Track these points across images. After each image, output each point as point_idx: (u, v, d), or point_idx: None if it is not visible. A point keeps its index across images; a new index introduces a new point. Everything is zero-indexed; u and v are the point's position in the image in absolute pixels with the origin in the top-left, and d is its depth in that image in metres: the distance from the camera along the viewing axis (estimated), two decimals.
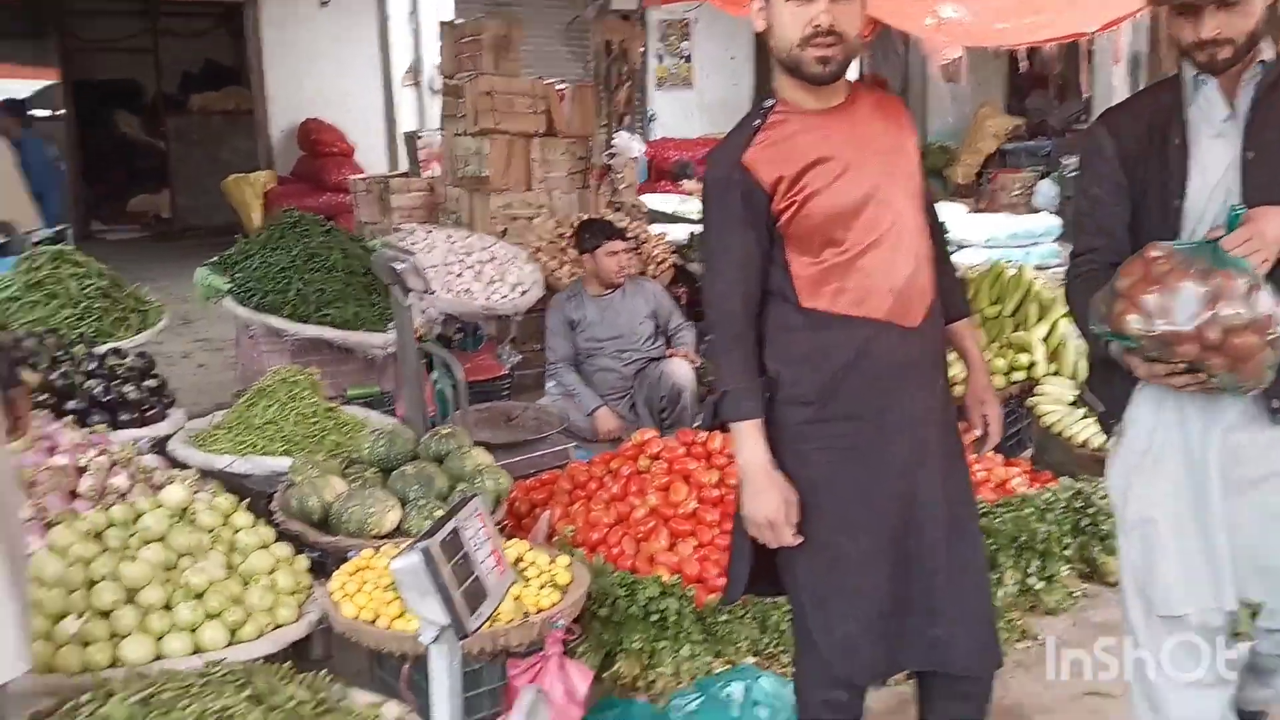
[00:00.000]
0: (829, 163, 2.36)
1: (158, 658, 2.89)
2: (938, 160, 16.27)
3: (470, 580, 2.09)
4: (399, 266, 4.45)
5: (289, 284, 5.50)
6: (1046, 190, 14.89)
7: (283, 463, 4.24)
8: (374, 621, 3.13)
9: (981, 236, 11.79)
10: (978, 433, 2.79)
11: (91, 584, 2.96)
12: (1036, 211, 14.22)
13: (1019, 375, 5.33)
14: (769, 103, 2.45)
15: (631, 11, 7.59)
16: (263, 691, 2.62)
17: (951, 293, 2.70)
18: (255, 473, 4.25)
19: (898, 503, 2.49)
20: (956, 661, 2.56)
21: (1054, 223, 12.19)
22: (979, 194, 15.65)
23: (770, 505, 2.42)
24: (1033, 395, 5.24)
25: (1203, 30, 2.26)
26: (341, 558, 3.67)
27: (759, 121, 2.42)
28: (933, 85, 16.57)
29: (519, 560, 3.40)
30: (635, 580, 3.60)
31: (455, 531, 2.12)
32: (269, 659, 2.95)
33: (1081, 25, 6.16)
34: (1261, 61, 2.35)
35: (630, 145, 7.84)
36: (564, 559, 3.48)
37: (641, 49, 7.75)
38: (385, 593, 3.19)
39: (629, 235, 6.13)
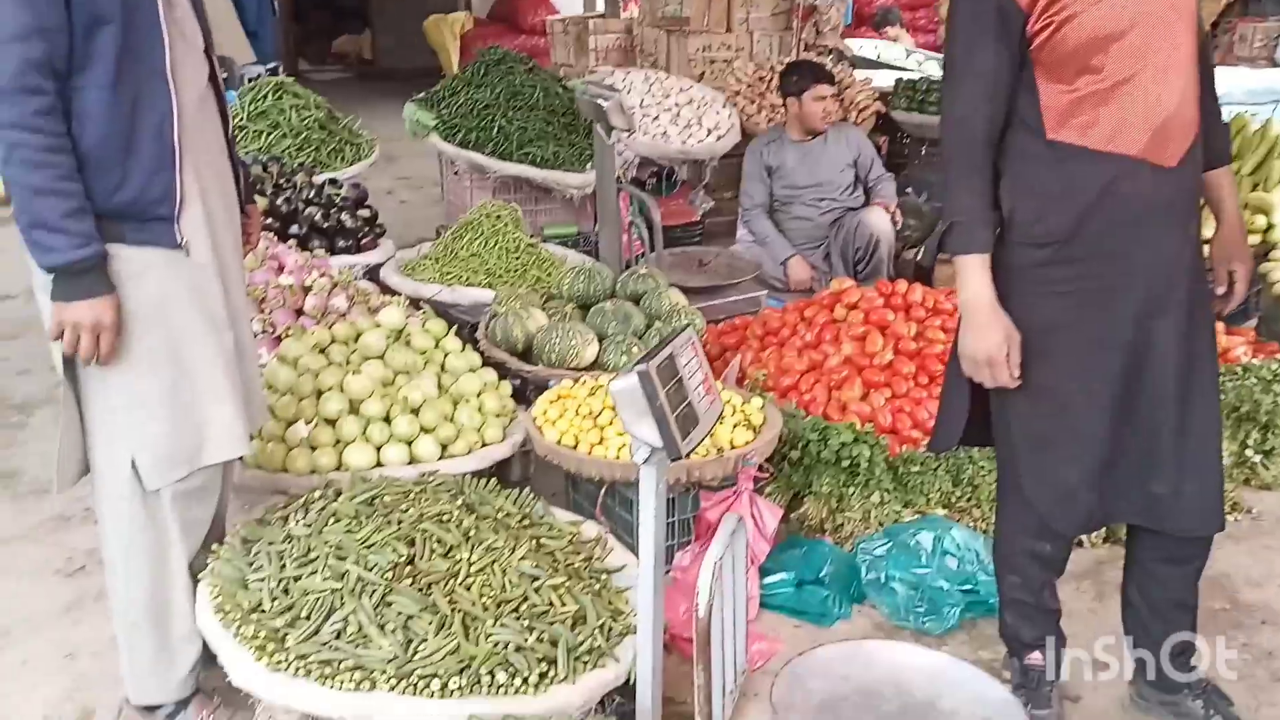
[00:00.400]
0: None
1: (377, 465, 3.09)
2: None
3: (683, 406, 2.13)
4: (603, 103, 4.43)
5: (492, 121, 5.58)
6: None
7: (486, 294, 4.38)
8: (574, 447, 3.25)
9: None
10: (1221, 290, 2.58)
11: (319, 394, 3.17)
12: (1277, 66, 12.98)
13: (1254, 239, 4.95)
14: None
15: None
16: (474, 501, 2.78)
17: (1214, 134, 2.41)
18: (460, 302, 4.42)
19: (1131, 353, 2.33)
20: (1176, 521, 2.44)
21: None
22: (1215, 44, 14.38)
23: (991, 343, 2.31)
24: (1267, 260, 4.87)
25: None
26: (541, 386, 3.81)
27: None
28: None
29: None
30: (828, 426, 3.60)
31: (671, 357, 2.14)
32: (475, 475, 3.11)
33: None
34: None
35: None
36: (757, 401, 3.50)
37: None
38: (585, 421, 3.30)
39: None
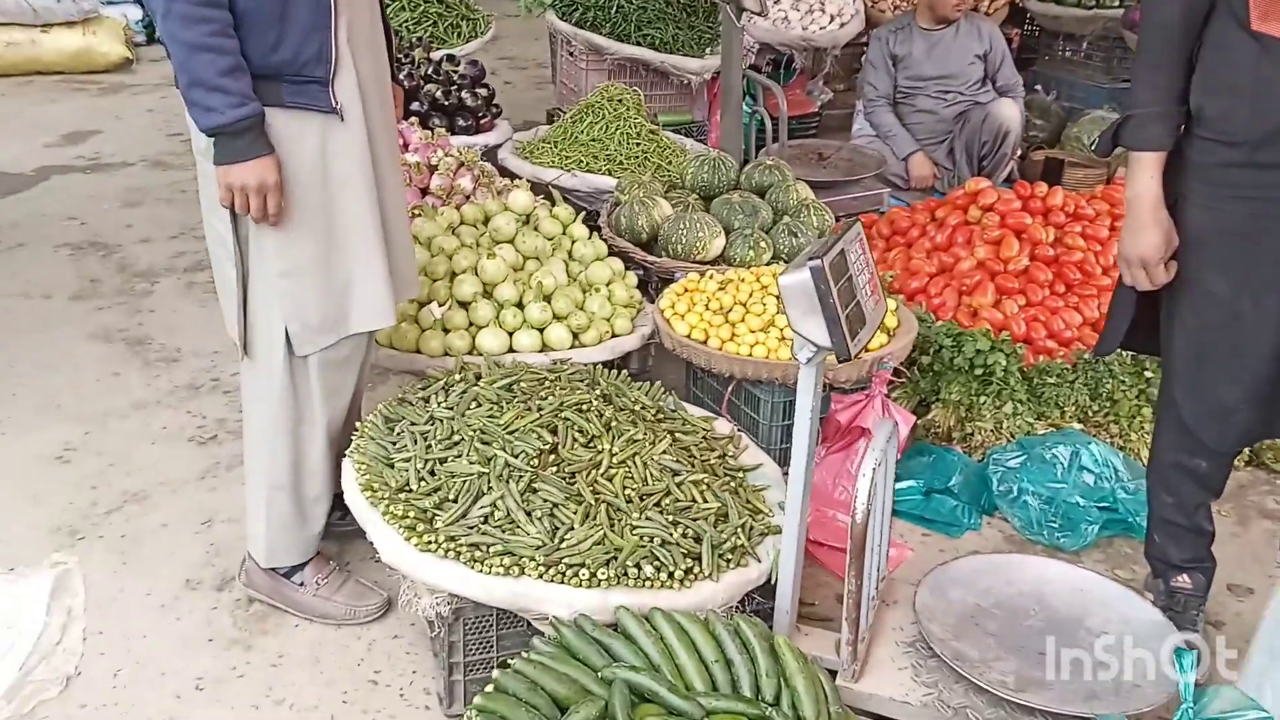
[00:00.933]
0: None
1: (509, 350, 3.07)
2: None
3: (852, 304, 2.05)
4: None
5: (611, 1, 5.40)
6: None
7: (608, 181, 4.30)
8: (704, 341, 3.20)
9: None
10: None
11: (452, 276, 3.15)
12: None
13: None
14: None
15: None
16: (610, 392, 2.75)
17: None
18: (581, 188, 4.34)
19: None
20: None
21: None
22: None
23: (1148, 244, 2.23)
24: None
25: None
26: (666, 278, 3.74)
27: None
28: None
29: None
30: (962, 332, 3.49)
31: (843, 253, 2.06)
32: (605, 366, 3.08)
33: None
34: None
35: None
36: (890, 302, 3.40)
37: None
38: (715, 315, 3.24)
39: None
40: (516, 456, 2.39)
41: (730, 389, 3.22)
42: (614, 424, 2.59)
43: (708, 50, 5.45)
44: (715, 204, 3.98)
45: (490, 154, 4.65)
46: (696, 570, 2.28)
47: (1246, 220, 2.21)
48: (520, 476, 2.35)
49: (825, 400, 3.25)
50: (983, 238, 4.03)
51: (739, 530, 2.39)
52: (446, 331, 3.08)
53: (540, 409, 2.58)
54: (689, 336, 3.22)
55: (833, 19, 6.11)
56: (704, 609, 2.24)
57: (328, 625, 2.63)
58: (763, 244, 3.72)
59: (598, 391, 2.72)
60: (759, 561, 2.37)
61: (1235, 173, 2.19)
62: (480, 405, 2.59)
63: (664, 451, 2.53)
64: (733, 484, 2.57)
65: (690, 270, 3.64)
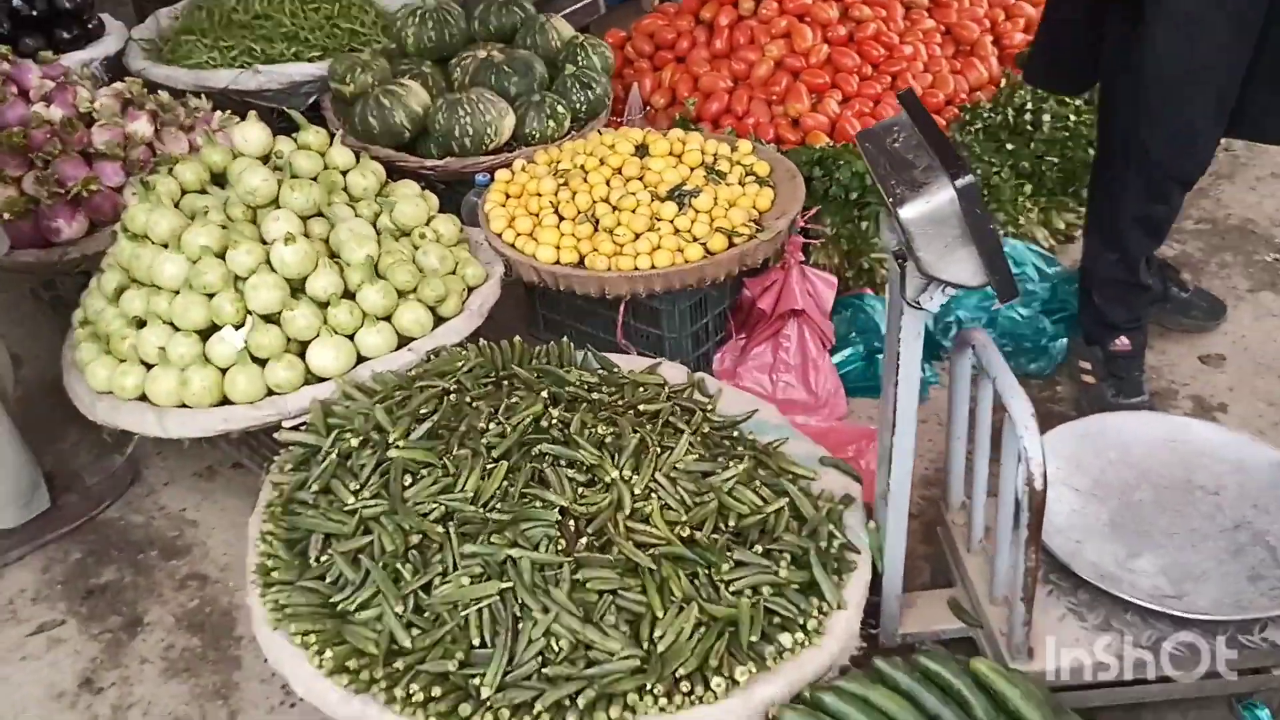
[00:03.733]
0: None
1: (360, 360, 2.19)
2: None
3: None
4: None
5: None
6: None
7: (308, 69, 3.26)
8: (581, 263, 2.49)
9: None
10: None
11: (236, 282, 2.16)
12: None
13: None
14: None
15: None
16: (543, 381, 2.02)
17: None
18: (271, 86, 3.26)
19: None
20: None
21: None
22: None
23: None
24: None
25: None
26: (453, 182, 2.91)
27: None
28: None
29: (705, 156, 2.73)
30: (825, 153, 2.99)
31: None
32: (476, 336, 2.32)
33: None
34: None
35: None
36: (745, 144, 2.81)
37: None
38: (581, 226, 2.52)
39: None
40: (537, 546, 1.65)
41: (623, 312, 2.56)
42: (590, 431, 1.89)
43: None
44: (464, 69, 3.12)
45: (113, 68, 3.39)
46: (822, 606, 1.71)
47: None
48: (558, 575, 1.63)
49: (736, 284, 2.68)
50: (768, 33, 3.48)
51: (824, 523, 1.82)
52: (259, 362, 2.15)
53: (492, 449, 1.83)
54: (558, 263, 2.49)
55: None
56: (846, 651, 1.71)
57: None
58: (559, 108, 2.96)
59: (537, 391, 1.99)
60: (859, 553, 1.84)
61: None
62: (419, 478, 1.79)
63: (686, 452, 1.87)
64: (761, 458, 1.97)
65: (489, 166, 2.84)
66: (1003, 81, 3.51)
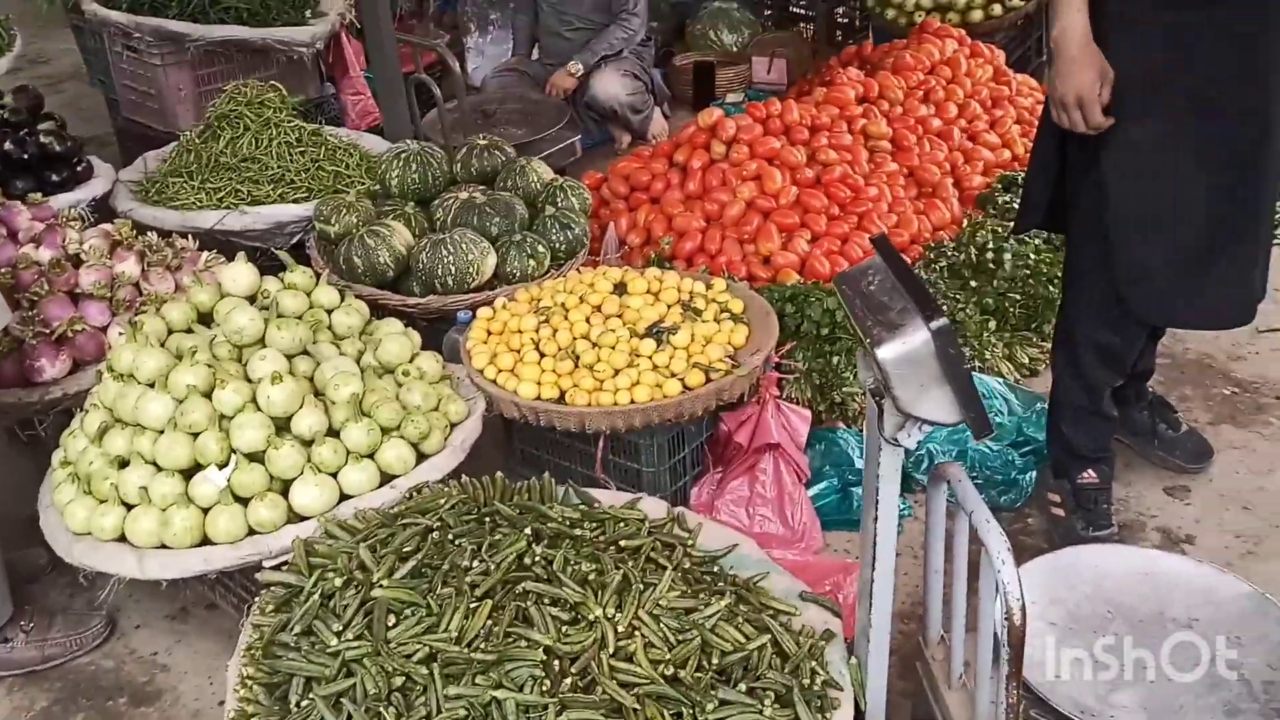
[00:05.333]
0: None
1: (343, 498, 2.21)
2: None
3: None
4: None
5: None
6: None
7: (293, 211, 3.35)
8: (561, 399, 2.53)
9: None
10: None
11: (221, 420, 2.18)
12: None
13: None
14: None
15: None
16: (519, 518, 2.03)
17: None
18: (256, 226, 3.35)
19: (1253, 121, 2.13)
20: (1245, 317, 2.38)
21: None
22: None
23: (1082, 80, 2.11)
24: None
25: None
26: (433, 319, 2.98)
27: None
28: None
29: (681, 293, 2.81)
30: (797, 291, 3.08)
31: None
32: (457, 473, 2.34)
33: None
34: None
35: None
36: (719, 282, 2.90)
37: None
38: (562, 362, 2.57)
39: None
40: (522, 688, 1.65)
41: (603, 446, 2.59)
42: (573, 568, 1.91)
43: (308, 14, 4.46)
44: (446, 210, 3.22)
45: (100, 209, 3.47)
46: None
47: (1172, 59, 2.12)
48: (544, 717, 1.62)
49: (707, 422, 2.73)
50: (740, 175, 3.62)
51: (806, 660, 1.83)
52: (241, 501, 2.15)
53: (476, 588, 1.83)
54: (539, 398, 2.54)
55: None
56: None
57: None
58: (540, 248, 3.05)
59: (520, 528, 2.00)
60: (842, 690, 1.84)
61: (1160, 10, 2.09)
62: (403, 617, 1.79)
63: (668, 589, 1.89)
64: (742, 593, 1.99)
65: (471, 304, 2.91)
66: (964, 221, 3.66)
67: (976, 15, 4.84)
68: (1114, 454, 2.69)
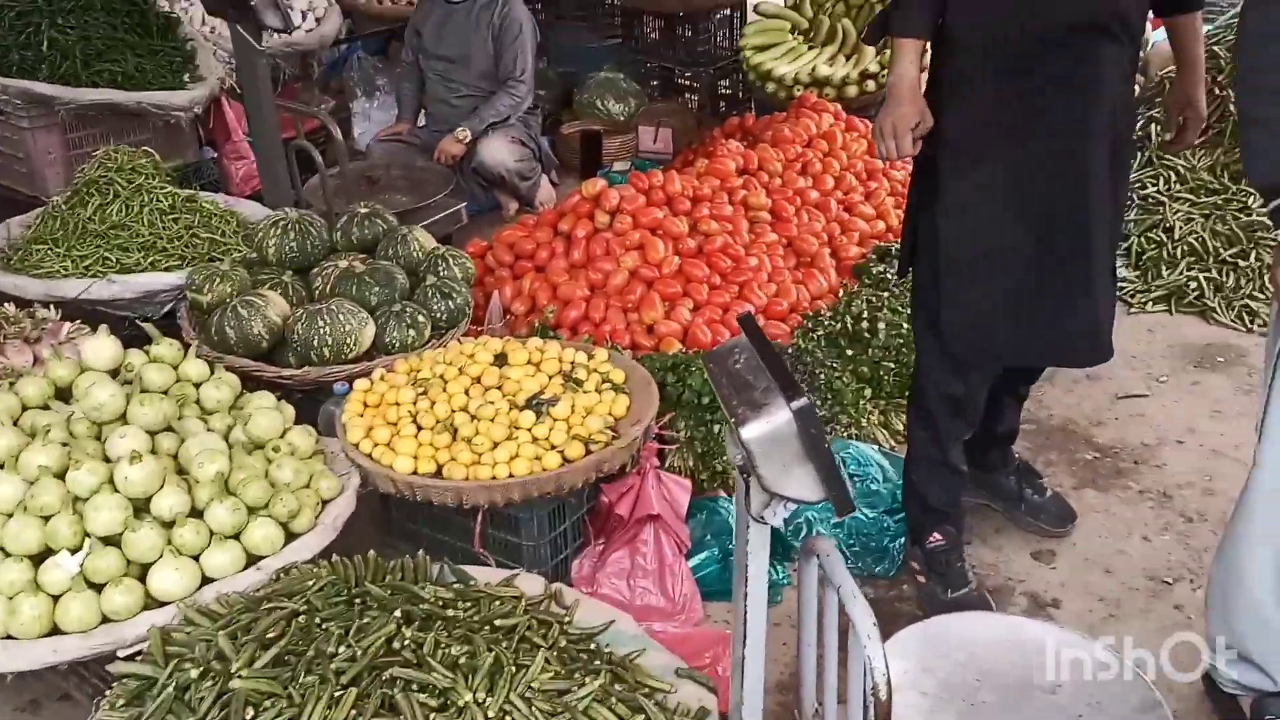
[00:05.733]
0: None
1: (205, 582, 2.13)
2: None
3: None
4: None
5: (38, 34, 4.11)
6: None
7: (163, 280, 3.26)
8: (439, 473, 2.49)
9: None
10: (1170, 135, 2.64)
11: (74, 502, 2.09)
12: None
13: None
14: None
15: None
16: (388, 599, 1.99)
17: None
18: (125, 295, 3.25)
19: (1068, 175, 2.30)
20: (1085, 357, 2.57)
21: None
22: None
23: (900, 115, 2.29)
24: None
25: None
26: (309, 391, 2.92)
27: None
28: None
29: (562, 364, 2.81)
30: (678, 360, 3.11)
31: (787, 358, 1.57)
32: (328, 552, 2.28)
33: None
34: None
35: None
36: (601, 351, 2.92)
37: None
38: (439, 435, 2.54)
39: None
40: None
41: (481, 521, 2.56)
42: (444, 651, 1.87)
43: (186, 77, 4.39)
44: (325, 279, 3.17)
45: None
46: None
47: (1001, 125, 2.28)
48: None
49: (587, 493, 2.72)
50: (624, 245, 3.66)
51: None
52: (95, 587, 2.06)
53: (341, 675, 1.78)
54: (416, 473, 2.50)
55: (305, 15, 5.27)
56: None
57: None
58: (420, 318, 3.02)
59: (391, 610, 1.96)
60: None
61: (989, 79, 2.27)
62: (262, 710, 1.72)
63: (541, 670, 1.86)
64: (618, 671, 1.97)
65: (347, 376, 2.86)
66: (841, 291, 3.75)
67: (852, 90, 5.07)
68: (964, 511, 2.77)
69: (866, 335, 3.44)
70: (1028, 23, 2.20)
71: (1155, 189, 3.99)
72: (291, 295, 3.13)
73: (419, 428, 2.58)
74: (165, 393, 2.45)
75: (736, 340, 1.74)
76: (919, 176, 2.52)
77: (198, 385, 2.52)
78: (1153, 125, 4.20)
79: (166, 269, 3.31)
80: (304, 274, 3.27)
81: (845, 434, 3.20)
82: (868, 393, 3.28)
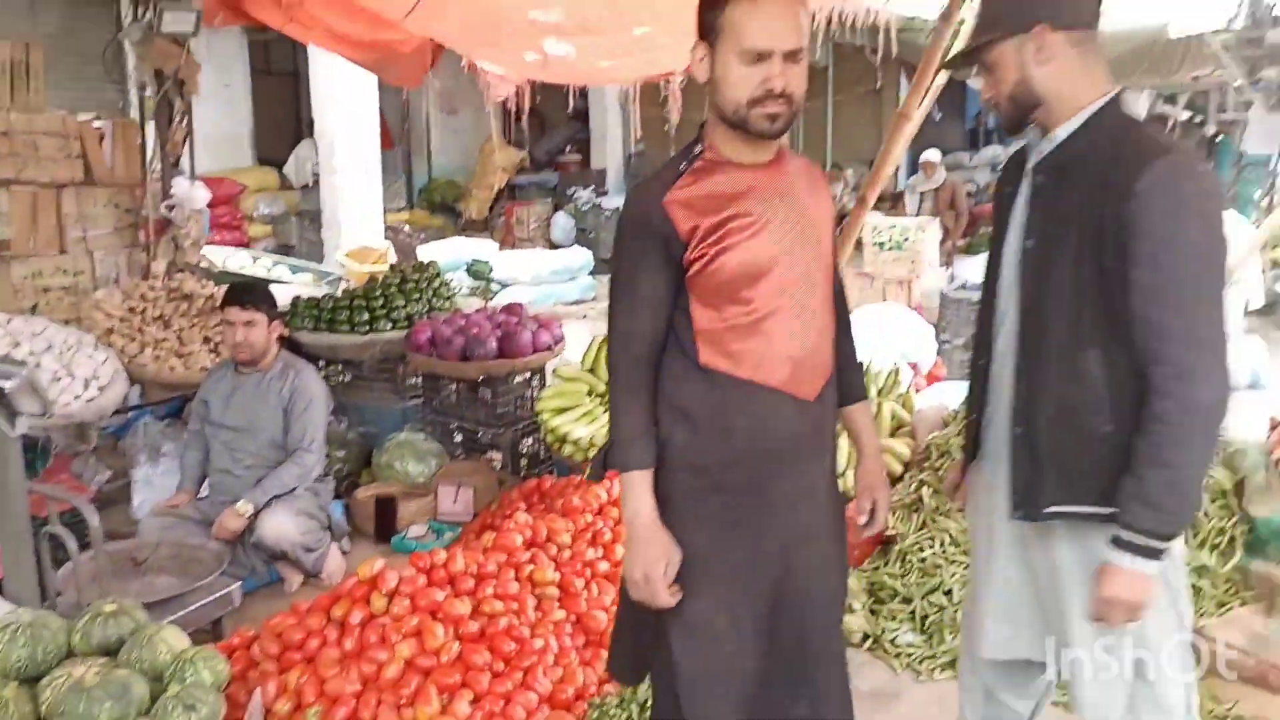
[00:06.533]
0: (747, 218, 2.24)
1: None
2: (448, 195, 16.15)
3: None
4: (7, 385, 3.25)
5: None
6: (563, 224, 15.42)
7: None
8: None
9: (527, 274, 11.88)
10: (863, 520, 2.65)
11: None
12: (555, 246, 14.65)
13: None
14: (699, 148, 2.32)
15: (186, 35, 6.28)
16: None
17: (850, 371, 2.58)
18: None
19: (776, 583, 2.36)
20: None
21: (587, 257, 12.70)
22: (492, 228, 15.71)
23: (648, 558, 2.28)
24: None
25: None
26: None
27: (685, 165, 2.30)
28: (436, 118, 16.36)
29: None
30: None
31: None
32: None
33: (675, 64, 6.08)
34: None
35: (193, 194, 6.58)
36: None
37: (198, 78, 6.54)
38: None
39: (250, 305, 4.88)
40: None
41: None
42: None
43: None
44: (55, 691, 2.85)
45: None
46: None
47: (708, 544, 2.32)
48: None
49: None
50: (400, 630, 3.47)
51: None
52: None
53: None
54: None
55: (88, 384, 5.12)
56: None
57: None
58: None
59: None
60: None
61: (697, 498, 2.30)
62: None
63: None
64: None
65: None
66: None
67: None
68: None
69: None
70: (732, 436, 2.29)
71: (931, 551, 4.10)
72: (12, 715, 2.78)
73: None
74: None
75: None
76: None
77: None
78: (924, 489, 4.40)
79: None
80: (33, 685, 2.94)
81: None
82: None
